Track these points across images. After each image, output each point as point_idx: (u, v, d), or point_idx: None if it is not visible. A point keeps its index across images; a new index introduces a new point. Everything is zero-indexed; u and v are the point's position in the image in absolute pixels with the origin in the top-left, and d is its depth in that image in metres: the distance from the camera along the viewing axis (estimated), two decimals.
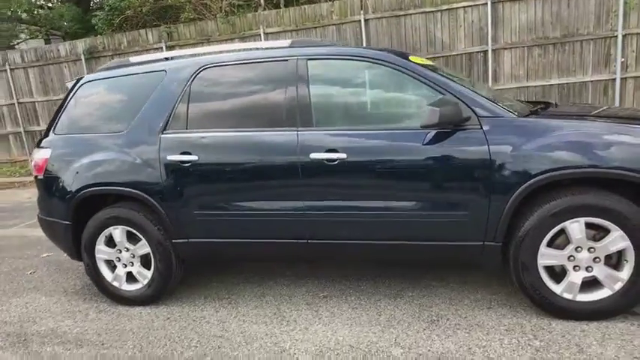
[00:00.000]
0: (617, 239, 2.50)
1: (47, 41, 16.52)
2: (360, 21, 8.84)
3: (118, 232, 3.28)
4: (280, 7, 9.60)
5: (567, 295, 2.62)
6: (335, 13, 9.02)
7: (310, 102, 2.90)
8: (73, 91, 3.53)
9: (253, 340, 2.75)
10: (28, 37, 18.08)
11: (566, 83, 8.27)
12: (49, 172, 3.41)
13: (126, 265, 3.34)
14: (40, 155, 3.46)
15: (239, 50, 3.26)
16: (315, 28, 9.15)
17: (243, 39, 9.55)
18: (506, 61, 8.49)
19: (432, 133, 2.67)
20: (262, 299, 3.28)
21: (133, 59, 3.53)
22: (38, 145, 3.53)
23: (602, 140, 2.50)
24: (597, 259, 2.56)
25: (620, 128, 2.60)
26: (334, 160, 2.79)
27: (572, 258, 2.59)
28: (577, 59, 8.08)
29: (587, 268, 2.59)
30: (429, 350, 2.48)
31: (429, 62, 3.15)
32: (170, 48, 9.83)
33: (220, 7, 9.62)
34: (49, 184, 3.42)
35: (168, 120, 3.15)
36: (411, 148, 2.71)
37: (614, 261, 2.58)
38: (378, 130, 2.81)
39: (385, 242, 2.85)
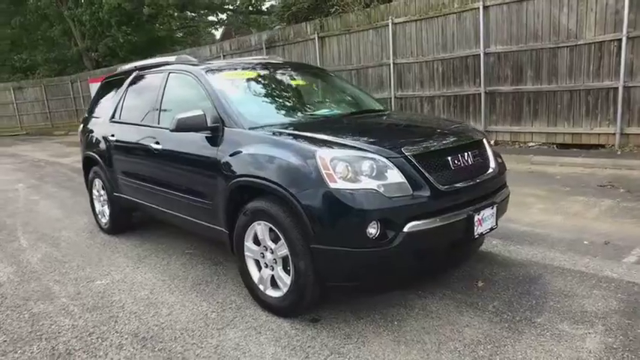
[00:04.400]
0: (283, 246, 2.75)
1: None
2: (479, 8, 8.36)
3: (97, 182, 4.98)
4: None
5: (261, 287, 2.99)
6: (456, 1, 8.73)
7: (160, 104, 3.90)
8: (99, 87, 5.34)
9: (110, 267, 3.99)
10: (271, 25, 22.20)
11: None
12: (80, 139, 5.34)
13: (102, 205, 5.02)
14: (80, 128, 5.42)
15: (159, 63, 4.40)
16: (437, 17, 9.06)
17: (375, 29, 10.18)
18: None
19: (203, 135, 3.32)
20: (157, 246, 4.44)
21: (124, 67, 5.07)
22: (81, 122, 5.49)
23: (256, 153, 2.89)
24: (275, 261, 2.85)
25: (274, 142, 2.86)
26: (157, 150, 3.75)
27: (262, 255, 2.94)
28: None
29: (271, 267, 2.90)
30: (163, 299, 3.29)
31: (246, 76, 3.67)
32: (321, 38, 11.23)
33: (360, 1, 10.43)
34: (81, 146, 5.36)
35: (114, 112, 4.61)
36: (183, 144, 3.46)
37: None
38: None
39: (181, 216, 3.67)
